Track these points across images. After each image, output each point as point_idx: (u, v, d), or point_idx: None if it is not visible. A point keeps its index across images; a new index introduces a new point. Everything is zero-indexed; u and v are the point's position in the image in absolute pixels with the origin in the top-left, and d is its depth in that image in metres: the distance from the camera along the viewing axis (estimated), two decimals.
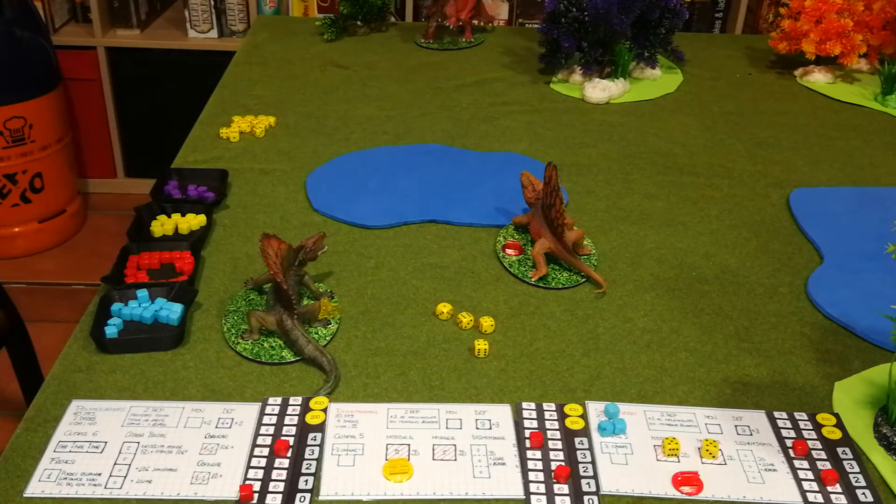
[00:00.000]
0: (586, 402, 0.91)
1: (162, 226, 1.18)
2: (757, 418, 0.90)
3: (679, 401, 0.93)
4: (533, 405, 0.90)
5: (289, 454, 0.83)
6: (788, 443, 0.87)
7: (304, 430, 0.86)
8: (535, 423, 0.88)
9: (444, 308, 1.04)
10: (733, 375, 0.97)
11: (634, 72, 1.78)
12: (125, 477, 0.81)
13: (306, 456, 0.83)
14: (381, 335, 1.01)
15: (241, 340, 0.98)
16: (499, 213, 1.26)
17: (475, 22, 2.00)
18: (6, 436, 0.98)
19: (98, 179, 3.00)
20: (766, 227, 1.27)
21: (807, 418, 0.90)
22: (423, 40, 1.95)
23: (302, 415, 0.88)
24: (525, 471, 0.83)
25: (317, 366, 0.95)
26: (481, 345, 0.98)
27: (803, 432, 0.88)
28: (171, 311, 1.00)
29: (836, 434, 0.88)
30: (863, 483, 0.82)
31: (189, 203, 1.24)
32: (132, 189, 2.97)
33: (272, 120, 1.53)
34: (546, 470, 0.83)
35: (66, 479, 0.80)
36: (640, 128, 1.58)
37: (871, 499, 0.81)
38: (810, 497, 0.81)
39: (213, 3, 2.73)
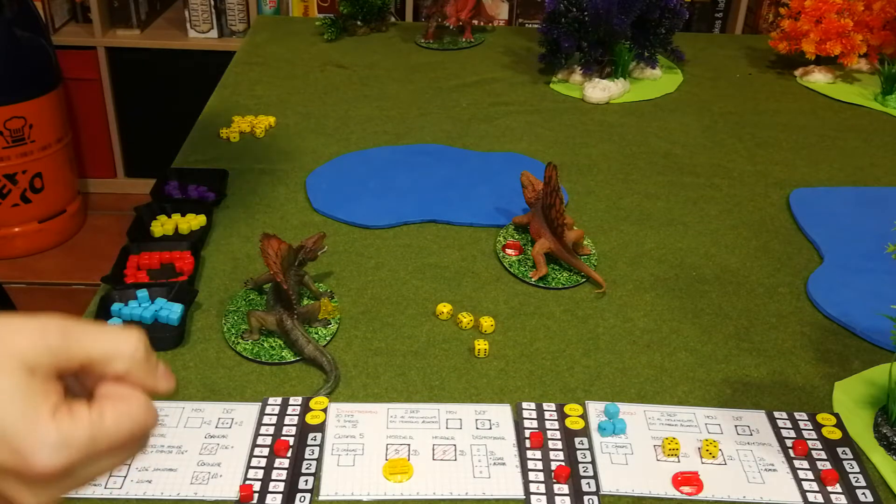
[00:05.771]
0: (586, 402, 0.91)
1: (162, 226, 1.18)
2: (757, 418, 0.90)
3: (679, 401, 0.93)
4: (533, 405, 0.90)
5: (289, 454, 0.83)
6: (788, 443, 0.87)
7: (304, 430, 0.86)
8: (535, 423, 0.88)
9: (444, 308, 1.04)
10: (733, 375, 0.97)
11: (634, 72, 1.78)
12: (125, 477, 0.81)
13: (306, 456, 0.83)
14: (381, 335, 1.01)
15: (241, 340, 0.98)
16: (499, 213, 1.26)
17: (475, 22, 2.00)
18: None
19: (98, 179, 3.01)
20: (766, 227, 1.27)
21: (807, 418, 0.90)
22: (423, 40, 1.95)
23: (302, 415, 0.88)
24: (525, 471, 0.83)
25: (317, 366, 0.95)
26: (481, 345, 0.98)
27: (803, 432, 0.88)
28: (171, 311, 1.00)
29: (836, 434, 0.88)
30: (863, 483, 0.82)
31: (189, 203, 1.24)
32: (132, 189, 2.97)
33: (272, 120, 1.53)
34: (546, 470, 0.83)
35: None
36: (640, 128, 1.58)
37: (871, 499, 0.81)
38: (810, 497, 0.81)
39: (213, 3, 2.73)
